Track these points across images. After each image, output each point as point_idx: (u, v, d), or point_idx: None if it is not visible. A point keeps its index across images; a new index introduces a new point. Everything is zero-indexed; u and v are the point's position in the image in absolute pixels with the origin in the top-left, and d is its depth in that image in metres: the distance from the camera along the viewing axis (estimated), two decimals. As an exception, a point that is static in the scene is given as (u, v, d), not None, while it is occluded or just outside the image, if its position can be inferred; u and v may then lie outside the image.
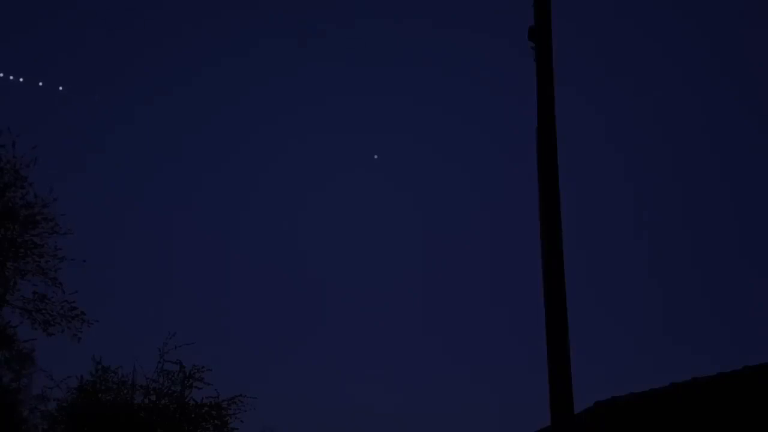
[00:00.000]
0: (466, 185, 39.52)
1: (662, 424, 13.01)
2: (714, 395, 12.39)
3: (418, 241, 38.69)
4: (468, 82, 38.56)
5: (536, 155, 10.41)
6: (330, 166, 39.40)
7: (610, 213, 38.36)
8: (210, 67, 39.46)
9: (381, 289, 37.47)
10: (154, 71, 39.58)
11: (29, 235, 21.45)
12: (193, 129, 39.72)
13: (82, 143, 37.05)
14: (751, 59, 37.93)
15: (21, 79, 29.21)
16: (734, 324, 35.09)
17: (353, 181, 39.22)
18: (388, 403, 31.25)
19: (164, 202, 38.47)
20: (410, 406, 32.05)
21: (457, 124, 39.69)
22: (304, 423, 28.01)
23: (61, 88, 32.42)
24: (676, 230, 38.49)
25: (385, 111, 39.12)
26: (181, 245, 37.63)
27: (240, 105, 40.30)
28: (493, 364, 33.68)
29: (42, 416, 22.11)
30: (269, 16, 39.53)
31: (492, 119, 37.77)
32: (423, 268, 38.56)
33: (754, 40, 37.72)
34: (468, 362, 34.82)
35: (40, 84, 31.31)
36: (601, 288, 35.20)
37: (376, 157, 37.90)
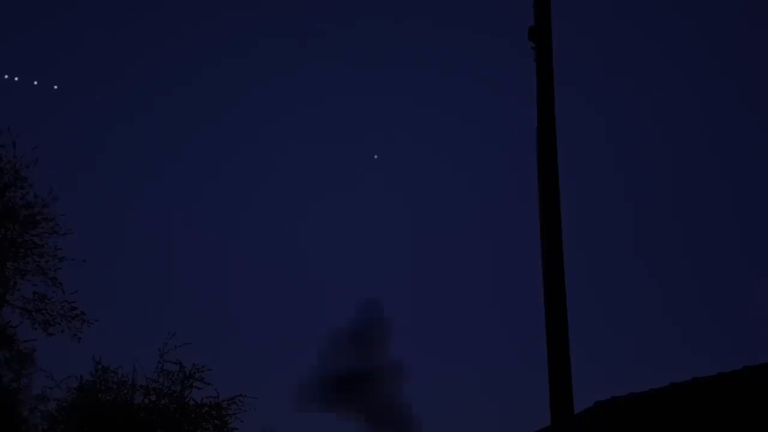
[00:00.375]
0: (465, 185, 39.45)
1: (662, 424, 13.02)
2: (714, 395, 12.39)
3: (417, 241, 38.64)
4: (468, 82, 38.50)
5: (536, 155, 10.41)
6: (330, 166, 39.37)
7: (610, 213, 38.34)
8: (210, 67, 39.40)
9: (381, 288, 37.44)
10: (154, 71, 39.51)
11: (29, 235, 21.46)
12: (193, 129, 39.66)
13: (82, 143, 36.98)
14: (751, 59, 37.91)
15: (16, 78, 29.20)
16: (734, 324, 35.05)
17: (353, 181, 39.20)
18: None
19: (164, 202, 38.41)
20: (410, 406, 32.02)
21: (457, 124, 39.62)
22: (304, 423, 27.99)
23: (56, 87, 32.38)
24: (676, 230, 38.47)
25: (385, 111, 39.06)
26: (181, 245, 37.57)
27: (240, 105, 40.24)
28: (492, 364, 33.62)
29: (42, 416, 22.11)
30: (269, 16, 39.48)
31: (492, 119, 37.71)
32: (423, 268, 38.51)
33: (754, 40, 37.71)
34: (468, 362, 34.77)
35: (35, 83, 31.30)
36: (601, 288, 35.16)
37: (376, 157, 37.87)
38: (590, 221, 35.32)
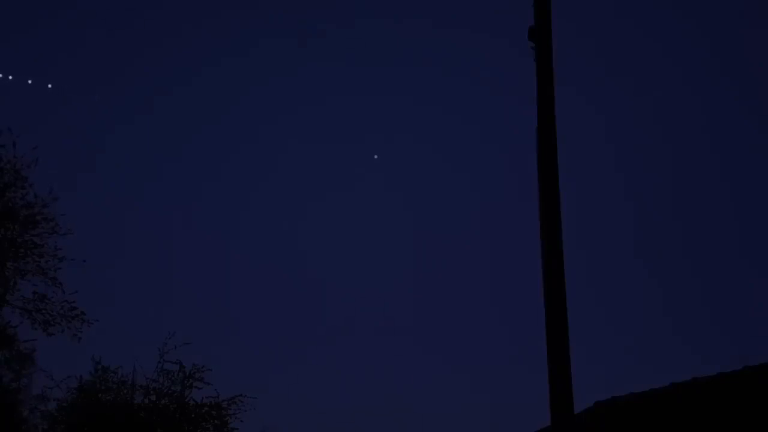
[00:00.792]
0: (465, 185, 39.51)
1: (662, 424, 13.02)
2: (714, 395, 12.39)
3: (417, 241, 38.69)
4: (468, 82, 38.55)
5: (536, 155, 10.41)
6: (330, 167, 39.40)
7: (610, 213, 38.37)
8: (210, 67, 39.45)
9: (381, 288, 37.48)
10: (154, 71, 39.57)
11: (29, 235, 21.47)
12: (193, 129, 39.71)
13: (82, 143, 37.03)
14: (751, 59, 37.94)
15: (10, 77, 29.22)
16: (734, 324, 35.09)
17: (353, 181, 39.23)
18: (387, 404, 31.25)
19: (164, 202, 38.46)
20: (410, 406, 32.05)
21: (457, 124, 39.67)
22: (304, 423, 28.01)
23: (50, 85, 32.39)
24: (677, 230, 38.50)
25: (385, 111, 39.12)
26: (181, 245, 37.63)
27: (240, 105, 40.29)
28: (493, 364, 33.67)
29: (42, 416, 22.13)
30: (269, 16, 39.52)
31: (492, 119, 37.77)
32: (423, 268, 38.56)
33: (754, 40, 37.73)
34: (468, 362, 34.82)
35: (31, 82, 31.32)
36: (601, 288, 35.20)
37: (376, 157, 37.92)
38: (590, 221, 35.35)
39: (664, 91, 39.00)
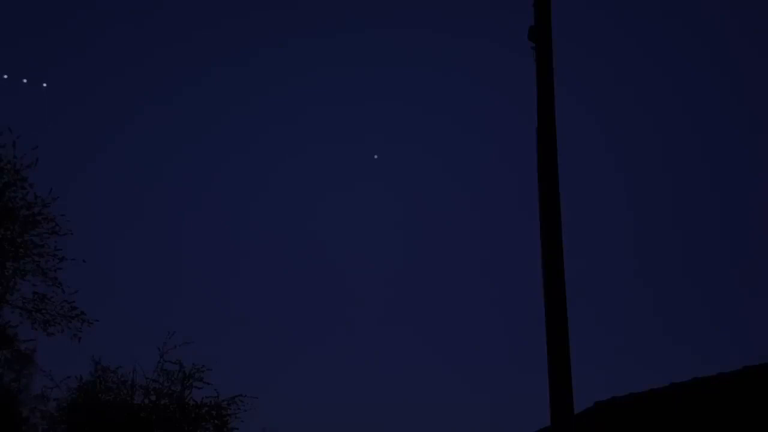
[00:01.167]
0: (465, 185, 39.53)
1: (662, 424, 13.02)
2: (714, 395, 12.39)
3: (417, 241, 38.71)
4: (468, 83, 38.60)
5: (536, 155, 10.41)
6: (330, 167, 39.43)
7: (609, 213, 38.38)
8: (214, 68, 39.51)
9: (381, 288, 37.51)
10: (156, 73, 39.61)
11: (29, 235, 21.46)
12: (193, 130, 39.77)
13: (82, 143, 37.07)
14: (751, 59, 37.95)
15: (5, 76, 29.26)
16: (734, 324, 35.10)
17: (353, 181, 39.26)
18: (388, 403, 31.27)
19: (165, 202, 38.49)
20: (410, 406, 32.08)
21: (457, 124, 39.72)
22: (304, 423, 28.02)
23: (45, 84, 32.44)
24: (676, 230, 38.51)
25: (385, 111, 39.17)
26: (180, 246, 37.67)
27: (243, 107, 40.35)
28: (493, 364, 33.69)
29: (42, 416, 22.14)
30: (272, 21, 39.59)
31: (492, 119, 37.80)
32: (423, 268, 38.59)
33: (754, 40, 37.74)
34: (468, 362, 34.84)
35: (24, 81, 31.37)
36: (600, 288, 35.20)
37: (376, 157, 37.95)
38: (590, 221, 35.36)
39: (663, 91, 39.05)
